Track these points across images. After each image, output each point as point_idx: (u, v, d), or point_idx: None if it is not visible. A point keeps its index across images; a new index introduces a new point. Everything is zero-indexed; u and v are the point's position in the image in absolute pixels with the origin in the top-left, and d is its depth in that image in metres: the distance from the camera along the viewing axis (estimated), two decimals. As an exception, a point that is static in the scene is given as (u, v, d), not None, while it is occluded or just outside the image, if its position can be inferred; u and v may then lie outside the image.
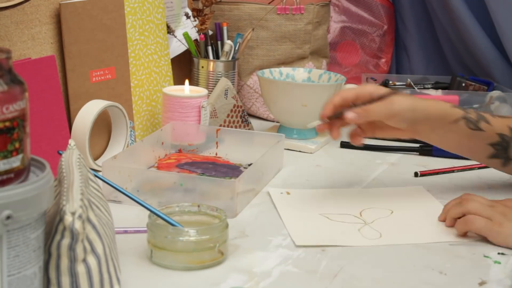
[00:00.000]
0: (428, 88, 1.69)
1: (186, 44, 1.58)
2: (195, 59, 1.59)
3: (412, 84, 1.69)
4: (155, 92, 1.49)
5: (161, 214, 0.97)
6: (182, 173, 1.28)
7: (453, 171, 1.38)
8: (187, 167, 1.31)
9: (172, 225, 0.96)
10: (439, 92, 1.62)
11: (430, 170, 1.37)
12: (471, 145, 1.20)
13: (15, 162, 0.73)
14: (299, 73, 1.62)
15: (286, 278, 0.94)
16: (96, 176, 0.97)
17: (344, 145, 1.52)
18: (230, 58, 1.58)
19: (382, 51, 1.87)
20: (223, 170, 1.31)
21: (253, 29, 1.63)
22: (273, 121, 1.68)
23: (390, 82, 1.70)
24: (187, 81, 1.46)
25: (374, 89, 1.15)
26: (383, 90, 1.14)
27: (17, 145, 0.73)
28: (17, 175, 0.73)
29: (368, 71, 1.85)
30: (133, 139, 1.42)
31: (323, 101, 1.49)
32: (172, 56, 1.57)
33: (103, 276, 0.81)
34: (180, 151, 1.41)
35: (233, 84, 1.56)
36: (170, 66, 1.54)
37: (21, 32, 1.22)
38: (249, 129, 1.53)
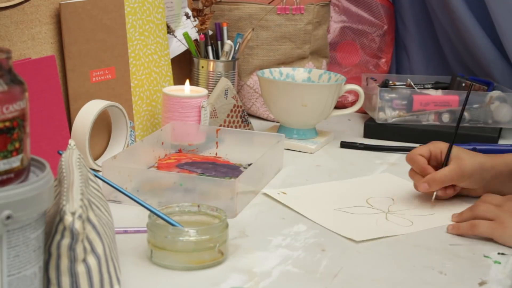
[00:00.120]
0: (428, 88, 1.69)
1: (186, 44, 1.58)
2: (195, 59, 1.59)
3: (412, 84, 1.69)
4: (155, 92, 1.49)
5: (161, 214, 0.97)
6: (182, 173, 1.28)
7: None
8: (187, 167, 1.31)
9: (172, 225, 0.96)
10: (439, 92, 1.62)
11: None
12: None
13: (15, 162, 0.73)
14: (299, 73, 1.61)
15: (286, 278, 0.94)
16: (96, 176, 0.97)
17: (344, 145, 1.52)
18: (230, 58, 1.58)
19: (382, 51, 1.87)
20: (223, 170, 1.31)
21: (253, 29, 1.63)
22: (273, 121, 1.68)
23: (390, 82, 1.70)
24: (187, 81, 1.46)
25: (444, 147, 1.19)
26: (453, 152, 1.18)
27: (17, 145, 0.73)
28: (17, 175, 0.73)
29: (368, 71, 1.85)
30: (133, 139, 1.42)
31: (323, 101, 1.50)
32: (172, 56, 1.57)
33: (103, 276, 0.81)
34: (180, 151, 1.41)
35: (233, 84, 1.56)
36: (170, 66, 1.54)
37: (21, 32, 1.22)
38: (249, 129, 1.53)
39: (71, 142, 0.93)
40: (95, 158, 1.34)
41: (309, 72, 1.61)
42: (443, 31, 1.83)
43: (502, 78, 1.72)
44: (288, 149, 1.47)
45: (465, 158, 1.17)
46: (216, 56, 1.61)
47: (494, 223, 1.06)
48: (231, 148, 1.39)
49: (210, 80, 1.57)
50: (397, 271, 0.98)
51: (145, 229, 0.98)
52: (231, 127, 1.50)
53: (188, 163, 1.33)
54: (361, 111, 1.67)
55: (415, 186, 1.20)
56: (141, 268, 0.95)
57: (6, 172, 0.72)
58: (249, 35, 1.61)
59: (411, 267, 0.99)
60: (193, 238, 0.94)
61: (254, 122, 1.62)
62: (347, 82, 1.61)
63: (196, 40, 1.60)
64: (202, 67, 1.57)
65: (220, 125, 1.48)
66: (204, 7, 1.59)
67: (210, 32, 1.62)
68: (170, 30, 1.55)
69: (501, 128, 1.61)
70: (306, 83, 1.56)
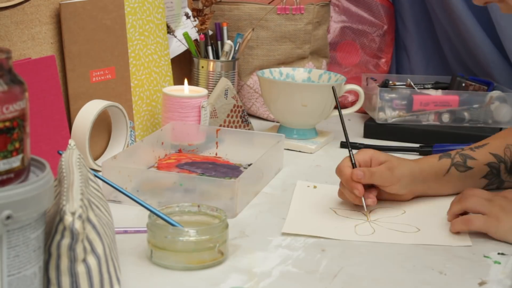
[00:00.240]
0: (428, 88, 1.69)
1: (186, 44, 1.58)
2: (195, 59, 1.59)
3: (412, 84, 1.69)
4: (155, 92, 1.49)
5: (161, 214, 0.97)
6: (182, 173, 1.28)
7: None
8: (187, 167, 1.31)
9: (172, 225, 0.96)
10: (439, 92, 1.62)
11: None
12: (466, 185, 1.21)
13: (15, 162, 0.73)
14: (299, 73, 1.61)
15: (286, 278, 0.94)
16: (96, 176, 0.97)
17: (344, 145, 1.52)
18: (230, 58, 1.58)
19: (382, 51, 1.87)
20: (223, 170, 1.31)
21: (253, 29, 1.63)
22: (273, 121, 1.68)
23: (390, 82, 1.70)
24: (186, 80, 1.46)
25: (374, 153, 1.19)
26: (382, 156, 1.18)
27: (17, 145, 0.73)
28: (17, 175, 0.73)
29: (368, 71, 1.85)
30: (133, 139, 1.42)
31: (323, 101, 1.50)
32: (172, 56, 1.57)
33: (103, 276, 0.81)
34: (180, 151, 1.41)
35: (233, 84, 1.56)
36: (170, 66, 1.54)
37: (21, 32, 1.22)
38: (249, 129, 1.53)
39: (71, 142, 0.93)
40: (95, 158, 1.34)
41: (309, 72, 1.61)
42: (443, 31, 1.83)
43: (502, 78, 1.72)
44: (288, 149, 1.47)
45: (396, 163, 1.18)
46: (216, 56, 1.61)
47: (488, 218, 1.06)
48: (231, 148, 1.39)
49: (210, 80, 1.57)
50: (397, 271, 0.98)
51: (145, 229, 0.98)
52: (231, 127, 1.50)
53: (188, 163, 1.33)
54: (361, 111, 1.67)
55: (347, 196, 1.17)
56: (141, 268, 0.95)
57: (6, 172, 0.72)
58: (249, 35, 1.61)
59: (411, 267, 0.99)
60: (193, 238, 0.94)
61: (254, 122, 1.62)
62: (347, 82, 1.61)
63: (196, 40, 1.60)
64: (202, 67, 1.57)
65: (220, 125, 1.48)
66: (204, 7, 1.59)
67: (210, 32, 1.62)
68: (170, 30, 1.55)
69: (501, 128, 1.61)
70: (306, 83, 1.56)
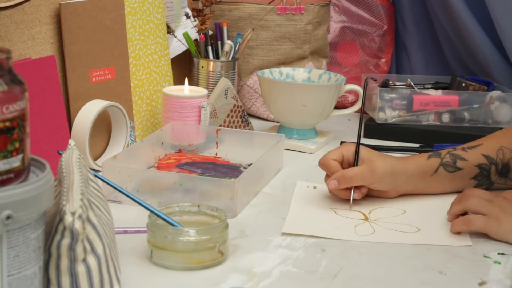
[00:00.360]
0: (428, 88, 1.69)
1: (186, 44, 1.58)
2: (195, 59, 1.59)
3: (412, 84, 1.69)
4: (155, 92, 1.49)
5: (161, 214, 0.97)
6: (182, 173, 1.28)
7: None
8: (187, 167, 1.31)
9: (172, 225, 0.96)
10: (439, 92, 1.62)
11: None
12: (454, 185, 1.23)
13: (15, 162, 0.73)
14: (299, 73, 1.61)
15: (286, 278, 0.94)
16: (96, 176, 0.97)
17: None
18: (230, 58, 1.58)
19: (382, 51, 1.87)
20: (223, 170, 1.31)
21: (253, 29, 1.63)
22: (273, 121, 1.68)
23: (390, 82, 1.70)
24: (186, 80, 1.46)
25: (352, 149, 1.19)
26: (364, 153, 1.18)
27: (17, 145, 0.73)
28: (17, 175, 0.73)
29: (368, 71, 1.85)
30: (133, 139, 1.42)
31: (323, 101, 1.50)
32: (172, 56, 1.57)
33: (103, 276, 0.81)
34: (180, 151, 1.41)
35: (233, 84, 1.56)
36: (170, 66, 1.54)
37: (21, 32, 1.22)
38: (249, 129, 1.53)
39: (71, 142, 0.93)
40: (95, 158, 1.34)
41: (309, 72, 1.61)
42: (443, 31, 1.83)
43: (502, 78, 1.72)
44: (288, 149, 1.47)
45: (376, 160, 1.17)
46: (216, 56, 1.61)
47: (489, 218, 1.06)
48: (231, 148, 1.39)
49: (210, 80, 1.57)
50: (397, 271, 0.98)
51: (145, 229, 0.98)
52: (231, 127, 1.50)
53: (188, 163, 1.33)
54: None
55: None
56: (141, 268, 0.95)
57: (6, 172, 0.72)
58: (249, 35, 1.61)
59: (411, 267, 0.99)
60: (193, 238, 0.94)
61: (254, 122, 1.62)
62: (347, 82, 1.61)
63: (196, 40, 1.60)
64: (202, 67, 1.57)
65: (220, 125, 1.48)
66: (204, 7, 1.59)
67: (210, 32, 1.62)
68: (170, 30, 1.55)
69: (501, 128, 1.61)
70: (306, 83, 1.56)
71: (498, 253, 1.03)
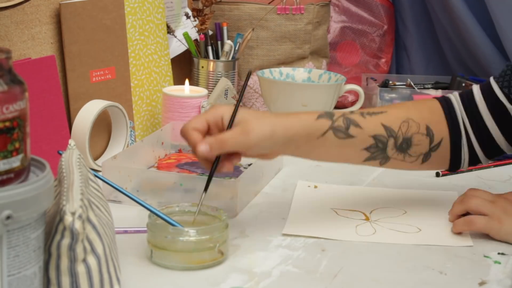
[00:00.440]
0: (428, 88, 1.69)
1: (186, 44, 1.58)
2: (195, 59, 1.59)
3: (412, 84, 1.69)
4: (155, 92, 1.49)
5: (161, 214, 0.97)
6: (182, 173, 1.28)
7: (473, 169, 1.38)
8: (187, 167, 1.31)
9: (172, 225, 0.96)
10: (439, 92, 1.62)
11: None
12: (343, 154, 1.10)
13: (15, 162, 0.73)
14: (299, 73, 1.62)
15: (286, 278, 0.94)
16: (96, 176, 0.97)
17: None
18: (230, 58, 1.58)
19: (382, 51, 1.87)
20: (223, 170, 1.31)
21: (253, 29, 1.63)
22: (273, 121, 1.68)
23: (390, 82, 1.70)
24: (187, 81, 1.46)
25: (226, 111, 1.02)
26: (239, 113, 1.02)
27: (17, 145, 0.73)
28: (17, 175, 0.73)
29: (368, 71, 1.85)
30: (133, 139, 1.42)
31: (323, 101, 1.50)
32: (172, 56, 1.57)
33: (103, 276, 0.81)
34: (180, 151, 1.41)
35: (233, 84, 1.56)
36: (170, 66, 1.54)
37: (21, 32, 1.22)
38: (249, 129, 1.53)
39: (71, 142, 0.93)
40: (95, 158, 1.34)
41: (309, 72, 1.61)
42: (443, 31, 1.83)
43: (502, 78, 1.72)
44: (288, 149, 1.47)
45: (252, 121, 1.01)
46: (216, 56, 1.61)
47: (490, 219, 1.06)
48: (231, 148, 1.39)
49: (210, 80, 1.57)
50: (397, 271, 0.97)
51: (145, 229, 0.98)
52: (231, 127, 1.50)
53: (188, 163, 1.33)
54: (361, 111, 1.67)
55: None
56: (141, 268, 0.95)
57: (6, 172, 0.72)
58: (249, 35, 1.61)
59: (411, 267, 0.99)
60: (193, 238, 0.94)
61: (254, 122, 1.62)
62: (347, 82, 1.61)
63: (196, 40, 1.60)
64: (202, 67, 1.57)
65: (220, 125, 1.48)
66: (204, 7, 1.59)
67: (210, 32, 1.62)
68: (170, 30, 1.55)
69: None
70: (306, 83, 1.56)
71: (498, 253, 1.03)
